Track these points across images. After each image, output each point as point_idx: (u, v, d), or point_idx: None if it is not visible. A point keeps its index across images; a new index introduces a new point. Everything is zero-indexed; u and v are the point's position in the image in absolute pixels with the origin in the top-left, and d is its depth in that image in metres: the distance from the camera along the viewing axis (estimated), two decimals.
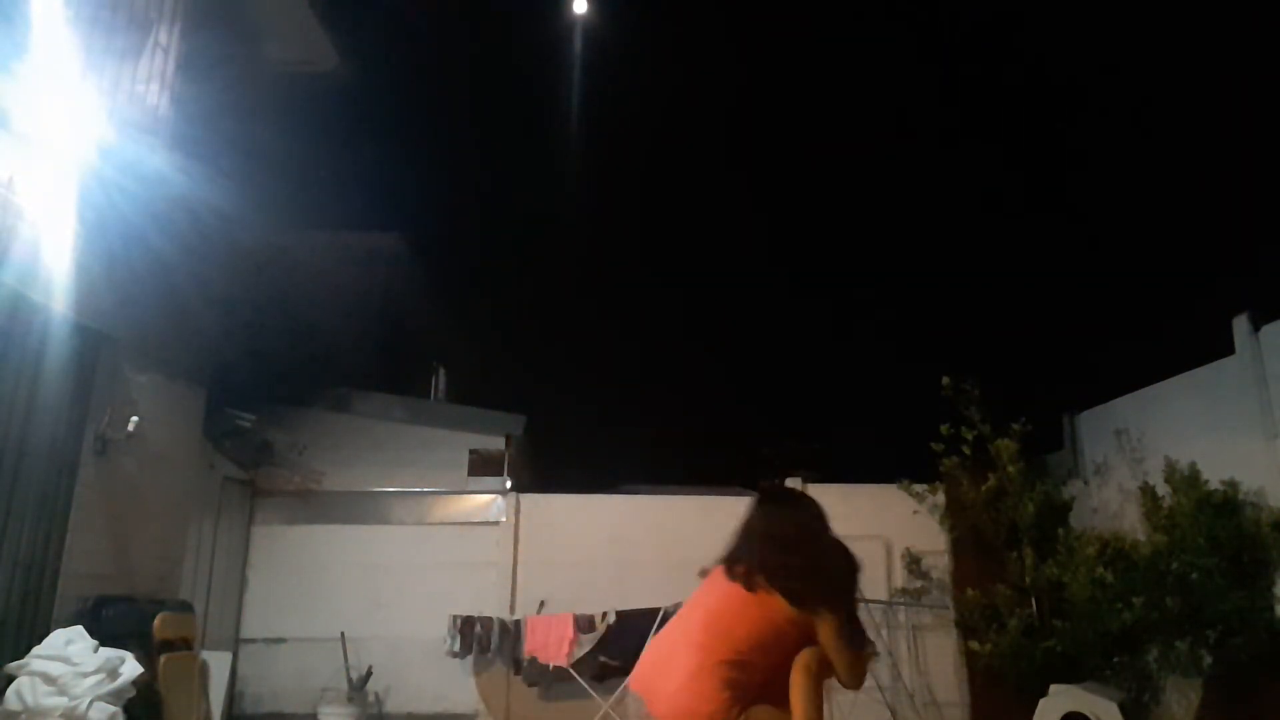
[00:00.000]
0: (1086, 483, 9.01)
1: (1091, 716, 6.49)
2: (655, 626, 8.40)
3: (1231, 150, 11.82)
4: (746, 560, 2.93)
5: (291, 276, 9.42)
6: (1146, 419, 8.22)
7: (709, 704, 2.69)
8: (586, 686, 8.30)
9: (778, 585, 2.84)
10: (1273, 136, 10.58)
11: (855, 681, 2.91)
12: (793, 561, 2.88)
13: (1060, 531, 7.66)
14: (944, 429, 8.18)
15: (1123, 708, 6.53)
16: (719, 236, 17.73)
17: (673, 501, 9.40)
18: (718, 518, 10.12)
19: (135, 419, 5.96)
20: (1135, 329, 12.31)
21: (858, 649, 2.90)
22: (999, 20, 13.57)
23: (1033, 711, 6.80)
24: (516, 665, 8.43)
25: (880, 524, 8.93)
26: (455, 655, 8.35)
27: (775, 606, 2.82)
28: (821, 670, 2.83)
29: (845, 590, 2.96)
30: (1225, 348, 7.28)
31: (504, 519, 9.06)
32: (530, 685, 8.47)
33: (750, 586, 2.87)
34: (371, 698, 8.32)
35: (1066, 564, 7.32)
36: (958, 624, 8.44)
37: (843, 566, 2.96)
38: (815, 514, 3.11)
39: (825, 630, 2.83)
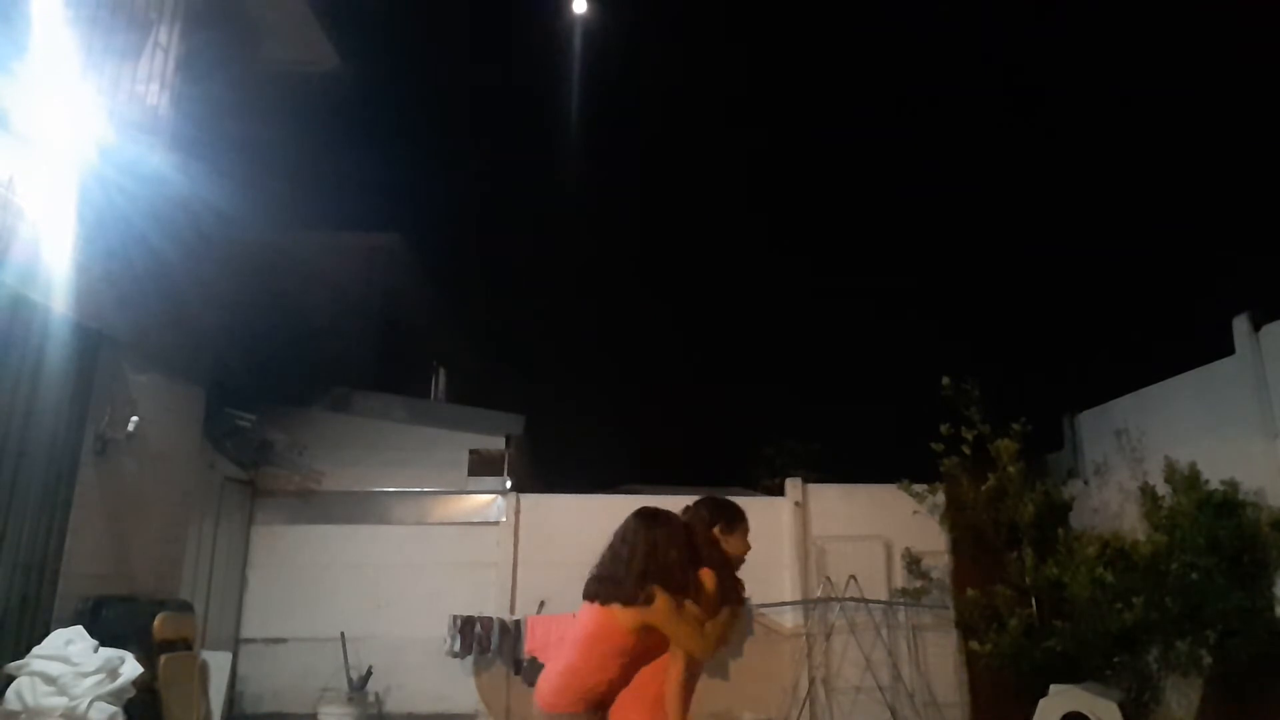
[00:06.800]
0: (1086, 483, 9.00)
1: (1091, 716, 6.49)
2: None
3: (1232, 151, 11.83)
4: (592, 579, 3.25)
5: (291, 276, 9.43)
6: (1146, 419, 8.22)
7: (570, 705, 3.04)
8: None
9: (587, 593, 3.17)
10: (1272, 137, 10.59)
11: (703, 647, 3.06)
12: (602, 571, 3.20)
13: (1060, 531, 7.65)
14: (944, 429, 8.16)
15: (1123, 708, 6.53)
16: (718, 235, 17.76)
17: (673, 502, 9.33)
18: None
19: (135, 419, 5.95)
20: (1135, 329, 12.33)
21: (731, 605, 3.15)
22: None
23: (1033, 711, 6.79)
24: (516, 665, 8.43)
25: (880, 524, 8.94)
26: (455, 655, 8.36)
27: (611, 616, 3.08)
28: (682, 670, 3.03)
29: (665, 568, 3.11)
30: (1225, 348, 7.28)
31: (504, 519, 9.05)
32: (530, 685, 8.43)
33: (599, 602, 3.15)
34: (371, 698, 8.31)
35: (1066, 564, 7.31)
36: (958, 624, 8.44)
37: (664, 549, 3.18)
38: (645, 515, 3.40)
39: (658, 615, 3.01)
